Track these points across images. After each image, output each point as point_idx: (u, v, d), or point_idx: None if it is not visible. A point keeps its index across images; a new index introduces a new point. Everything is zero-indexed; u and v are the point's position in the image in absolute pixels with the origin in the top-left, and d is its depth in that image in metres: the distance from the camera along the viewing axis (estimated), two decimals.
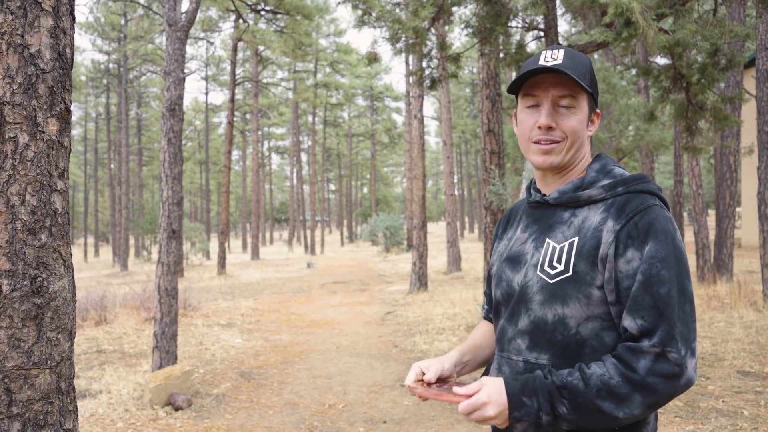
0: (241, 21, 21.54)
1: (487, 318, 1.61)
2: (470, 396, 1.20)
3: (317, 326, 9.06)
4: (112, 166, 37.15)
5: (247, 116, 42.80)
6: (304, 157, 47.59)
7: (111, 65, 33.25)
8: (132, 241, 39.81)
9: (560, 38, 6.20)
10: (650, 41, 4.60)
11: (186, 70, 5.97)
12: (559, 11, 7.02)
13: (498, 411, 1.18)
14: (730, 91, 10.99)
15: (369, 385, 5.63)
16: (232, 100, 21.57)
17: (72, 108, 1.86)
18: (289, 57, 24.94)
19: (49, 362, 1.55)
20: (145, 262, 30.38)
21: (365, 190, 63.89)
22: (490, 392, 1.19)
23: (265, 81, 34.04)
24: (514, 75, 10.01)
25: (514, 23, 6.70)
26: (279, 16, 21.10)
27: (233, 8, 20.09)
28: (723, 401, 4.61)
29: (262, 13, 21.07)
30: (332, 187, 63.84)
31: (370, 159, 47.24)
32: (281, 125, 48.02)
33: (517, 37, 7.27)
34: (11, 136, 1.49)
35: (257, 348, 7.48)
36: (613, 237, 1.20)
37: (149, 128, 41.21)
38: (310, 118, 40.19)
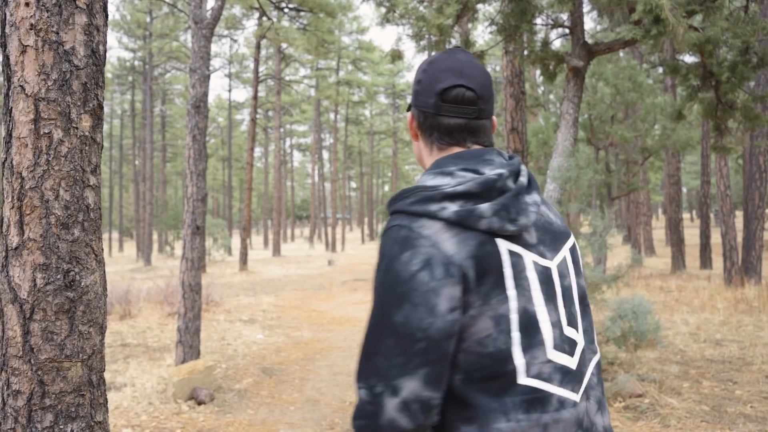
0: (264, 18, 21.68)
1: None
2: None
3: (338, 323, 9.08)
4: (136, 162, 37.70)
5: (270, 113, 43.09)
6: (325, 154, 47.80)
7: (136, 62, 33.74)
8: (155, 237, 40.38)
9: (586, 36, 6.15)
10: (680, 39, 4.52)
11: (210, 68, 6.03)
12: (585, 8, 6.95)
13: None
14: (761, 89, 10.76)
15: None
16: (255, 97, 21.72)
17: None
18: (312, 54, 25.04)
19: (80, 355, 1.57)
20: (168, 258, 30.77)
21: (386, 188, 63.89)
22: None
23: (287, 78, 34.22)
24: (538, 73, 9.95)
25: (539, 21, 6.64)
26: (302, 13, 21.19)
27: (257, 6, 20.22)
28: (751, 406, 4.52)
29: (286, 10, 21.17)
30: (353, 184, 64.00)
31: (392, 157, 47.24)
32: (303, 122, 48.27)
33: (542, 35, 7.21)
34: (46, 131, 1.51)
35: (278, 344, 7.53)
36: None
37: (173, 125, 41.73)
38: (332, 115, 40.33)
